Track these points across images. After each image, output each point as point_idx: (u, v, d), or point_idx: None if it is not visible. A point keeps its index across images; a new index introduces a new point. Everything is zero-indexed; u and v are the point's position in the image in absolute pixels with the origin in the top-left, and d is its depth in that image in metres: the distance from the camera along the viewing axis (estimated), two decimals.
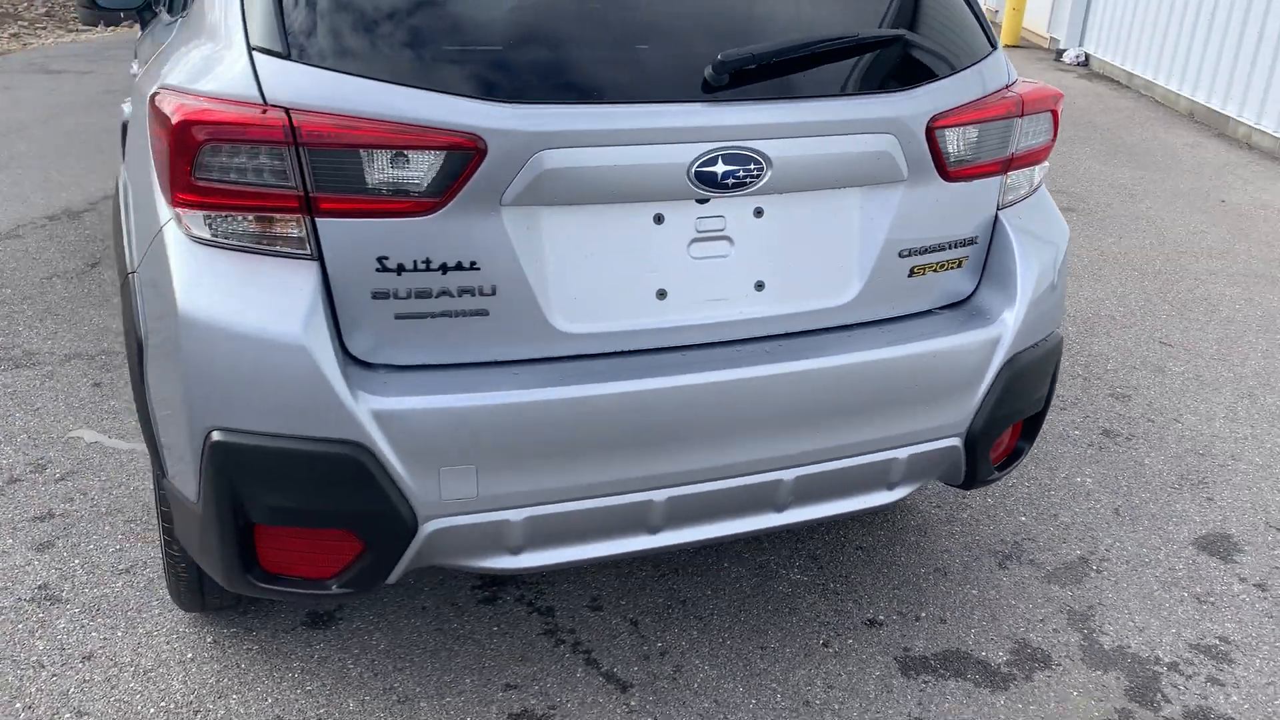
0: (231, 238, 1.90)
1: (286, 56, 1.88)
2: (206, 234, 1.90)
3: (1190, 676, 2.62)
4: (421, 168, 1.87)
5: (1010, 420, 2.45)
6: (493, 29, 1.96)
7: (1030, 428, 2.62)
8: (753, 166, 2.03)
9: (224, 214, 1.88)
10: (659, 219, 2.05)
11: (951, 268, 2.36)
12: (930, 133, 2.19)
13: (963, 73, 2.27)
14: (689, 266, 2.10)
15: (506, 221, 1.94)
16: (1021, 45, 12.98)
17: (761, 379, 2.11)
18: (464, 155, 1.87)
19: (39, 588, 2.77)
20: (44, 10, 12.88)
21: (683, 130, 1.98)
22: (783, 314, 2.19)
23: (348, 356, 1.93)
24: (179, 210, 1.91)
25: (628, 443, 2.05)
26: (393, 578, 2.06)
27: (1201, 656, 2.69)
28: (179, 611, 2.69)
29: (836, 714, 2.46)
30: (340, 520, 1.98)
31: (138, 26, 4.40)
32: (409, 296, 1.93)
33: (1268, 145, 7.57)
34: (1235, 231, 5.96)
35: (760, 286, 2.16)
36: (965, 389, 2.32)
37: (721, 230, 2.10)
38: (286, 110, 1.83)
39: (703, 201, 2.07)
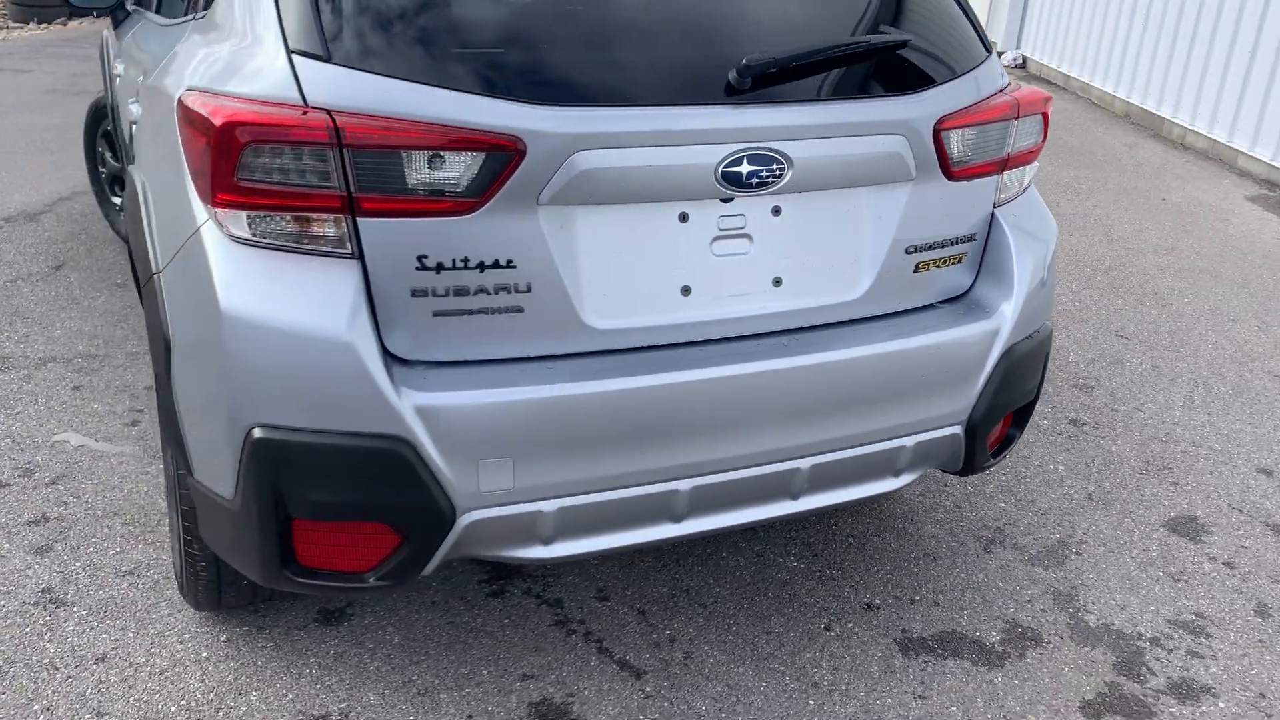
0: (271, 237, 1.93)
1: (326, 59, 1.92)
2: (246, 234, 1.93)
3: (1171, 650, 2.76)
4: (462, 168, 1.92)
5: (1007, 409, 2.56)
6: (530, 33, 2.01)
7: (1021, 416, 2.74)
8: (775, 166, 2.11)
9: (266, 214, 1.91)
10: (684, 217, 2.12)
11: (952, 263, 2.46)
12: (937, 134, 2.29)
13: (964, 77, 2.37)
14: (711, 263, 2.17)
15: (542, 221, 2.00)
16: None
17: (779, 372, 2.19)
18: (505, 156, 1.93)
19: (42, 591, 2.75)
20: None
21: (711, 131, 2.05)
22: (799, 309, 2.27)
23: (387, 353, 1.97)
24: (218, 210, 1.93)
25: (654, 435, 2.12)
26: (429, 569, 2.10)
27: (1180, 631, 2.83)
28: (189, 612, 2.69)
29: (844, 694, 2.55)
30: (381, 514, 2.02)
31: (107, 25, 4.35)
32: (447, 294, 1.98)
33: (1201, 145, 7.86)
34: (1177, 228, 6.21)
35: (778, 282, 2.24)
36: (967, 379, 2.43)
37: (742, 228, 2.18)
38: (329, 112, 1.87)
39: (726, 200, 2.14)
